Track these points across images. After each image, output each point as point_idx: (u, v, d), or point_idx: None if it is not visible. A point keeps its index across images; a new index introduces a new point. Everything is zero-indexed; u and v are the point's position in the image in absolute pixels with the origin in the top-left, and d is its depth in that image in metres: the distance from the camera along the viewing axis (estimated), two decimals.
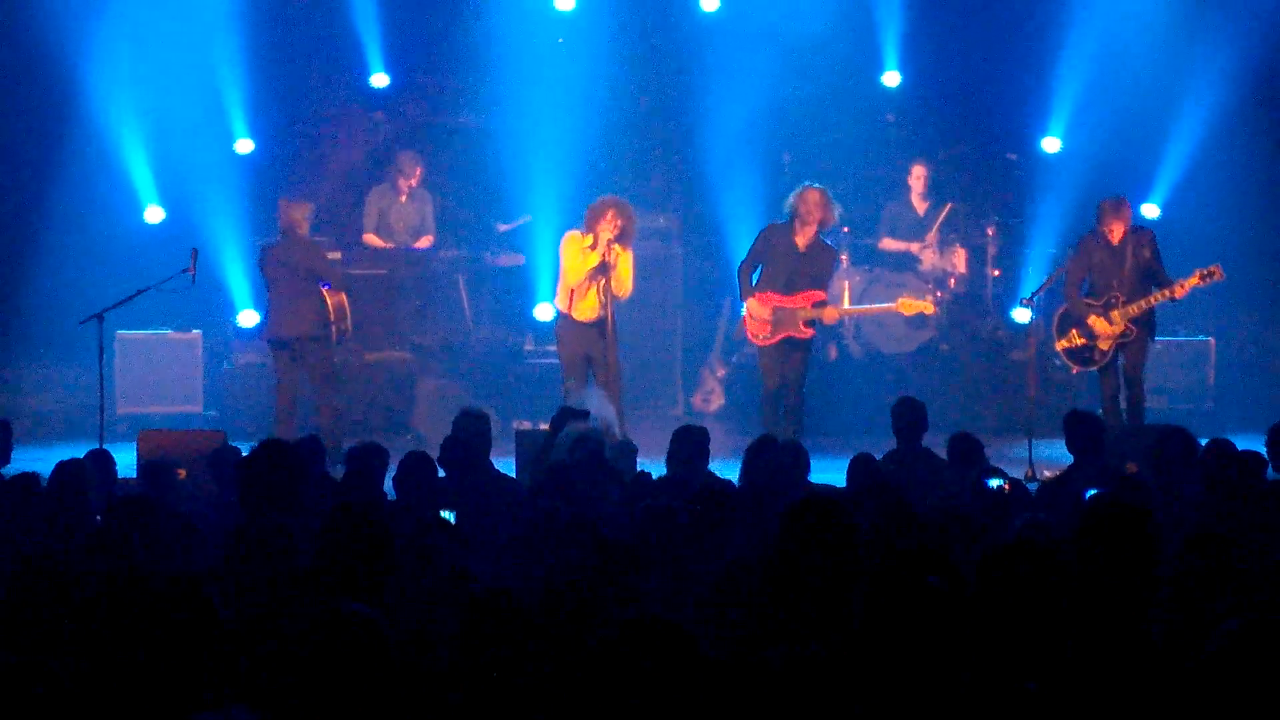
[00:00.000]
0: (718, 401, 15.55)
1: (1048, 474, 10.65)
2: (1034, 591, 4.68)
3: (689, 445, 8.98)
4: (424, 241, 15.22)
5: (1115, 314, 12.35)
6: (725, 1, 15.95)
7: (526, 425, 13.15)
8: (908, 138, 16.19)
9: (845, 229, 15.53)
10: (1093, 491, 7.53)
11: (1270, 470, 8.39)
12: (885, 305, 13.53)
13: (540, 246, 14.65)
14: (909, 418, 9.65)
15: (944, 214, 15.43)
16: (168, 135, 15.21)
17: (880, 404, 11.75)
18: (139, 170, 15.36)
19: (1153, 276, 12.35)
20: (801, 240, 12.37)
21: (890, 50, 16.13)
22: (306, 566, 5.84)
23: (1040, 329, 13.70)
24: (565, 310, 12.23)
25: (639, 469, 9.64)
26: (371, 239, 15.13)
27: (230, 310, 15.08)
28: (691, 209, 16.17)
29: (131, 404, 14.59)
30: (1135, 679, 4.57)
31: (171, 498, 8.28)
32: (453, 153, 16.08)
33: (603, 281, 12.04)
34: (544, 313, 14.41)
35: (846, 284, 15.07)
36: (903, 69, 16.16)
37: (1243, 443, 8.53)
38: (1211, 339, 15.25)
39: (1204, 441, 8.61)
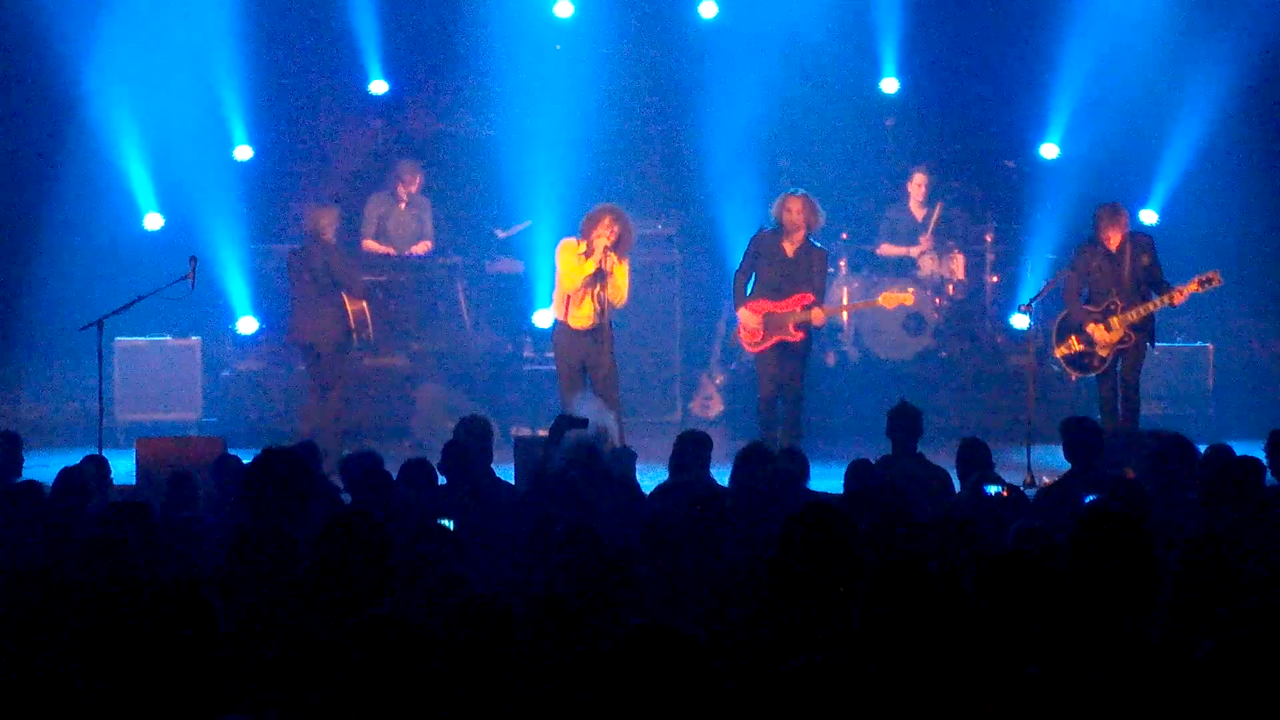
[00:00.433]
0: (716, 407, 15.56)
1: (1046, 480, 10.65)
2: (1030, 598, 4.68)
3: (691, 450, 8.99)
4: (422, 248, 15.24)
5: (1114, 320, 12.36)
6: (724, 8, 15.97)
7: (525, 432, 13.15)
8: (906, 144, 16.20)
9: (844, 235, 15.55)
10: (1091, 498, 7.54)
11: (1269, 476, 8.39)
12: (867, 301, 13.56)
13: (539, 253, 14.66)
14: (905, 423, 9.65)
15: (936, 214, 15.44)
16: (167, 142, 15.21)
17: (878, 410, 11.74)
18: (138, 177, 15.37)
19: (1152, 283, 12.36)
20: (789, 247, 12.40)
21: (889, 56, 16.14)
22: (306, 573, 5.85)
23: (1038, 335, 13.71)
24: (561, 318, 12.25)
25: (637, 475, 9.64)
26: (370, 245, 15.14)
27: (229, 317, 15.10)
28: (690, 215, 16.17)
29: (131, 410, 14.58)
30: (1133, 685, 4.58)
31: (190, 508, 8.27)
32: (451, 159, 16.09)
33: (598, 289, 12.06)
34: (543, 319, 14.42)
35: (845, 290, 15.10)
36: (901, 75, 16.17)
37: (1241, 448, 8.54)
38: (1210, 345, 15.25)
39: (1202, 447, 8.62)
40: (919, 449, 9.63)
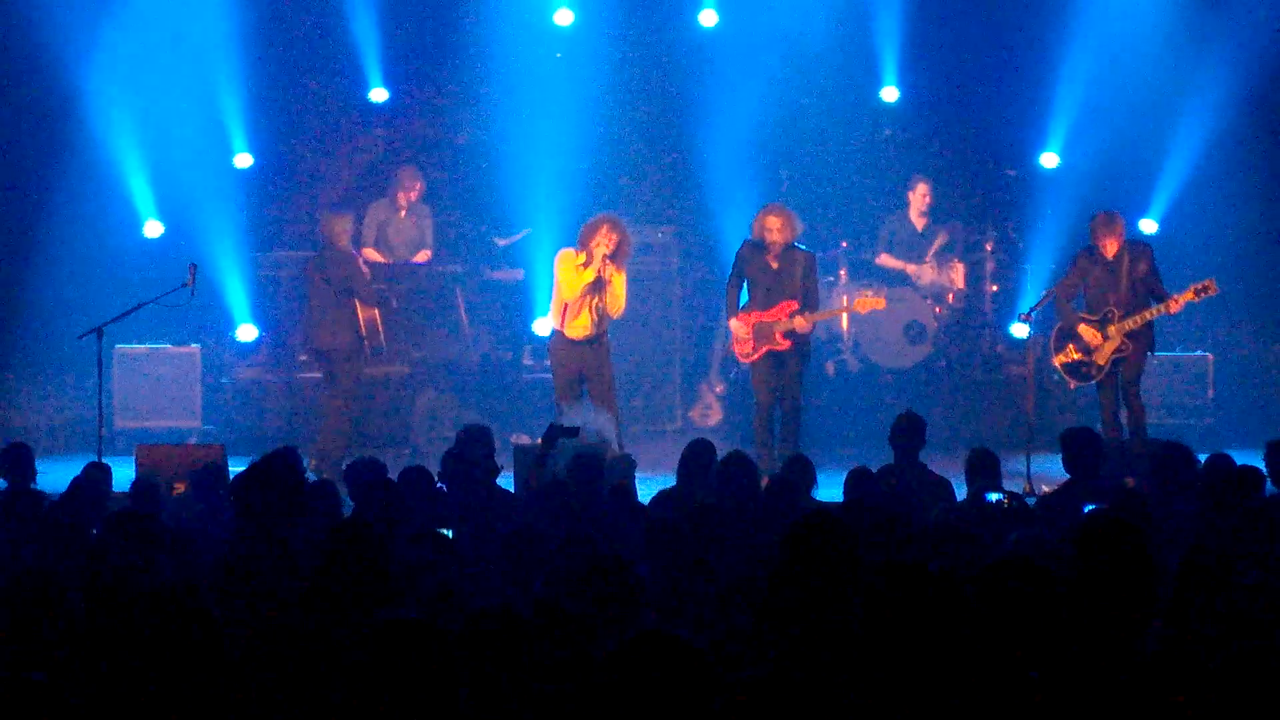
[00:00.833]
0: (716, 416, 15.57)
1: (1045, 489, 10.64)
2: (1029, 608, 4.67)
3: (700, 458, 9.00)
4: (422, 256, 15.24)
5: (1112, 329, 12.37)
6: (723, 17, 15.98)
7: (525, 440, 13.15)
8: (906, 153, 16.20)
9: (844, 244, 15.56)
10: (1090, 507, 7.53)
11: (1269, 485, 8.39)
12: (841, 308, 13.56)
13: (539, 261, 14.66)
14: (909, 432, 9.65)
15: (940, 241, 15.44)
16: (167, 150, 15.22)
17: (878, 419, 11.75)
18: (138, 185, 15.37)
19: (1150, 291, 12.36)
20: (772, 258, 12.41)
21: (889, 65, 16.14)
22: (306, 581, 5.84)
23: (1038, 344, 13.71)
24: (559, 328, 12.27)
25: (637, 483, 9.63)
26: (370, 254, 15.14)
27: (229, 325, 15.10)
28: (690, 224, 16.18)
29: (130, 418, 14.58)
30: (1132, 694, 4.57)
31: (162, 514, 8.26)
32: (452, 167, 16.10)
33: (596, 300, 12.08)
34: (542, 327, 14.41)
35: (846, 297, 15.08)
36: (901, 84, 16.17)
37: (1241, 458, 8.53)
38: (1210, 355, 15.24)
39: (1203, 457, 8.61)
40: (920, 458, 9.63)
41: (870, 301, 13.35)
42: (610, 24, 15.89)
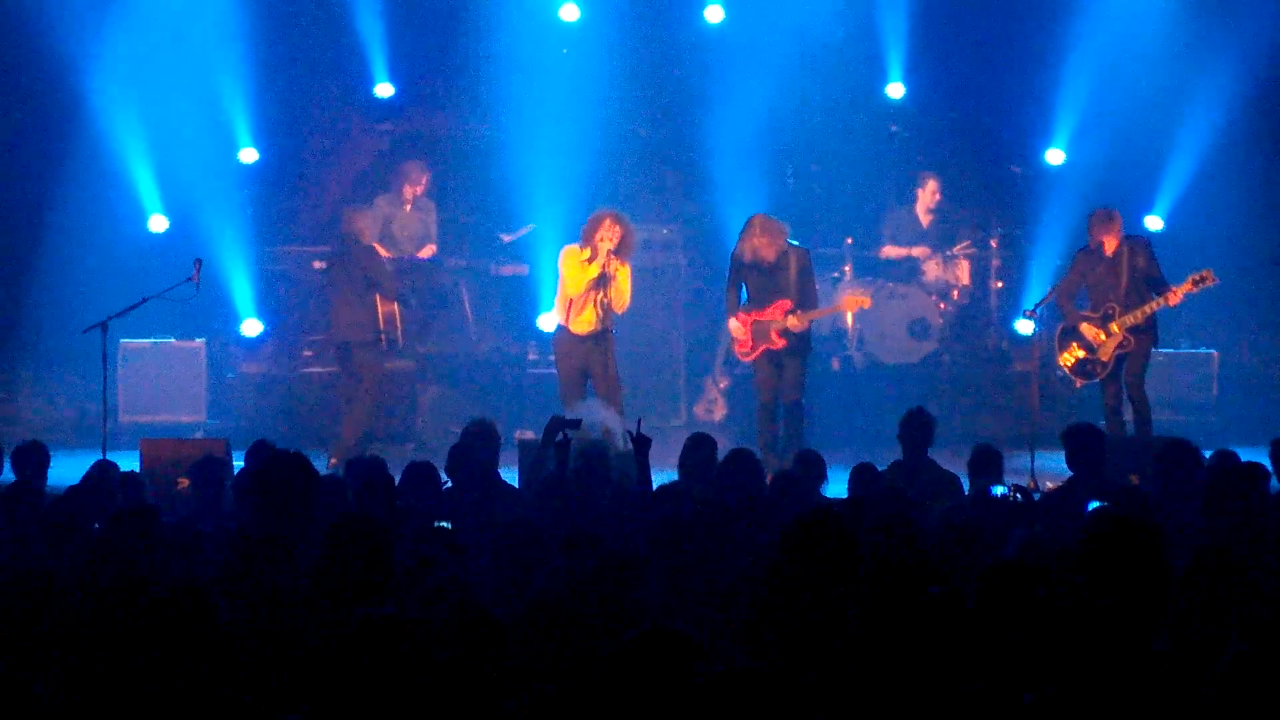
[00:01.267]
0: (720, 412, 15.56)
1: (1050, 485, 10.64)
2: (1033, 607, 4.67)
3: (696, 453, 9.00)
4: (427, 251, 15.25)
5: (1113, 325, 12.37)
6: (729, 13, 15.98)
7: (529, 435, 13.12)
8: (911, 149, 16.19)
9: (849, 240, 15.56)
10: (1094, 504, 7.52)
11: (1274, 482, 8.38)
12: (832, 307, 13.53)
13: (543, 256, 14.67)
14: (917, 429, 9.65)
15: (959, 248, 15.46)
16: (172, 144, 15.23)
17: (883, 415, 11.75)
18: (143, 179, 15.38)
19: (1152, 285, 12.35)
20: (765, 256, 12.36)
21: (894, 62, 16.15)
22: (307, 576, 5.84)
23: (1043, 340, 13.69)
24: (563, 323, 12.28)
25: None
26: (376, 248, 15.14)
27: (234, 319, 15.11)
28: (694, 220, 16.17)
29: (135, 413, 14.58)
30: (1141, 694, 4.56)
31: (165, 509, 8.26)
32: (457, 162, 16.10)
33: (600, 295, 12.08)
34: (547, 323, 14.41)
35: (844, 296, 15.05)
36: (907, 81, 16.17)
37: (1245, 455, 8.52)
38: (1215, 352, 15.23)
39: (1207, 454, 8.60)
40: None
41: (856, 300, 13.36)
42: (616, 20, 15.88)
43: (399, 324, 13.31)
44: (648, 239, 15.05)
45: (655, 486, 8.66)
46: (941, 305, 15.32)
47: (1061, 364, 12.73)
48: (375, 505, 7.80)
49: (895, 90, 16.22)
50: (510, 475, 10.12)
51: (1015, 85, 15.88)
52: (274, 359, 15.26)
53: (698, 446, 9.08)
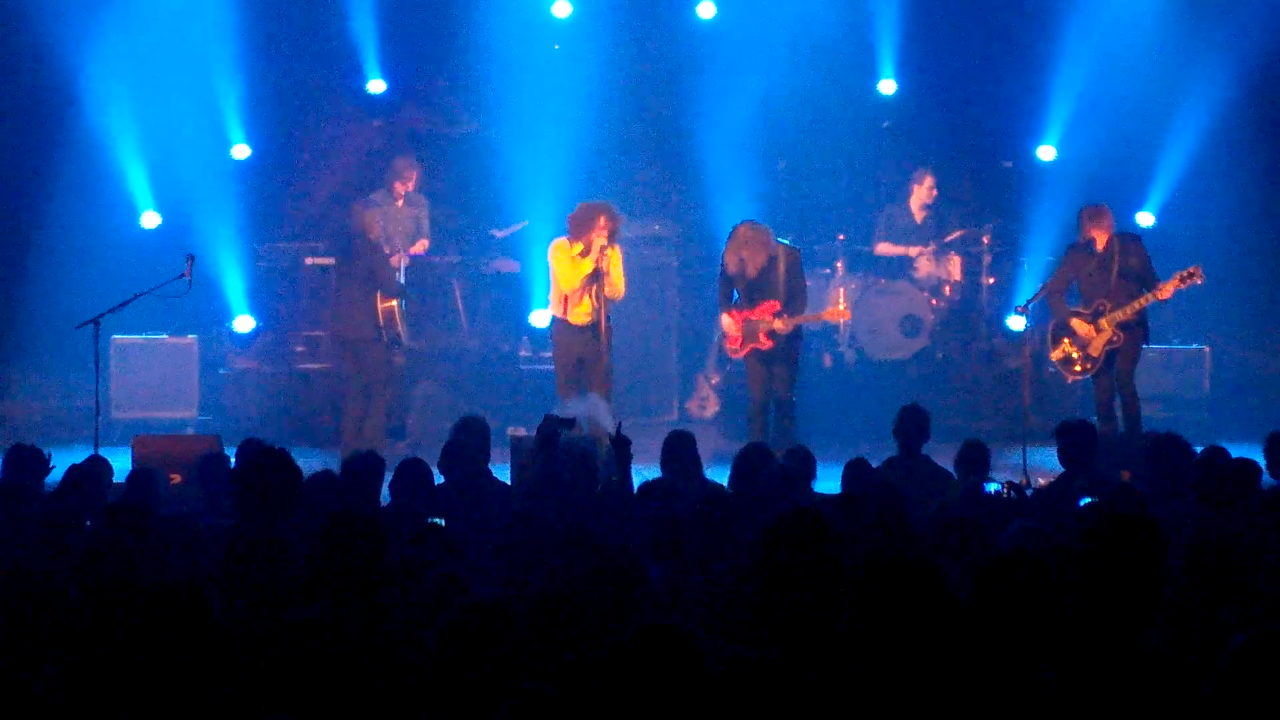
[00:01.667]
0: (713, 408, 15.56)
1: (1041, 481, 10.66)
2: (1029, 601, 4.67)
3: (675, 450, 9.01)
4: (419, 247, 15.24)
5: (1104, 321, 12.39)
6: (722, 9, 15.98)
7: (522, 432, 13.11)
8: (904, 145, 16.20)
9: (840, 236, 15.56)
10: (1086, 500, 7.53)
11: (1265, 477, 8.39)
12: (816, 314, 13.48)
13: (536, 253, 14.65)
14: (912, 425, 9.66)
15: (951, 237, 15.46)
16: (164, 141, 15.22)
17: (874, 412, 11.76)
18: (135, 175, 15.37)
19: (1143, 282, 12.37)
20: (751, 268, 12.36)
21: (886, 58, 16.16)
22: (301, 573, 5.84)
23: (1035, 336, 13.71)
24: (560, 315, 12.28)
25: (632, 474, 9.62)
26: (381, 245, 15.14)
27: (226, 315, 15.11)
28: (688, 216, 16.18)
29: (127, 409, 14.56)
30: (1136, 690, 4.57)
31: (156, 503, 8.25)
32: (449, 159, 16.10)
33: (595, 287, 12.09)
34: (539, 319, 14.43)
35: (842, 290, 15.07)
36: (899, 76, 16.18)
37: (1237, 451, 8.53)
38: (1206, 347, 15.25)
39: (1198, 449, 8.61)
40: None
41: (838, 312, 13.44)
42: (608, 16, 15.88)
43: (398, 321, 13.29)
44: (640, 234, 15.05)
45: (640, 482, 8.68)
46: (933, 301, 15.33)
47: (1052, 359, 12.75)
48: (365, 501, 7.81)
49: (887, 86, 16.23)
50: (502, 472, 10.13)
51: (1007, 81, 15.89)
52: (266, 355, 15.24)
53: (680, 443, 9.08)
